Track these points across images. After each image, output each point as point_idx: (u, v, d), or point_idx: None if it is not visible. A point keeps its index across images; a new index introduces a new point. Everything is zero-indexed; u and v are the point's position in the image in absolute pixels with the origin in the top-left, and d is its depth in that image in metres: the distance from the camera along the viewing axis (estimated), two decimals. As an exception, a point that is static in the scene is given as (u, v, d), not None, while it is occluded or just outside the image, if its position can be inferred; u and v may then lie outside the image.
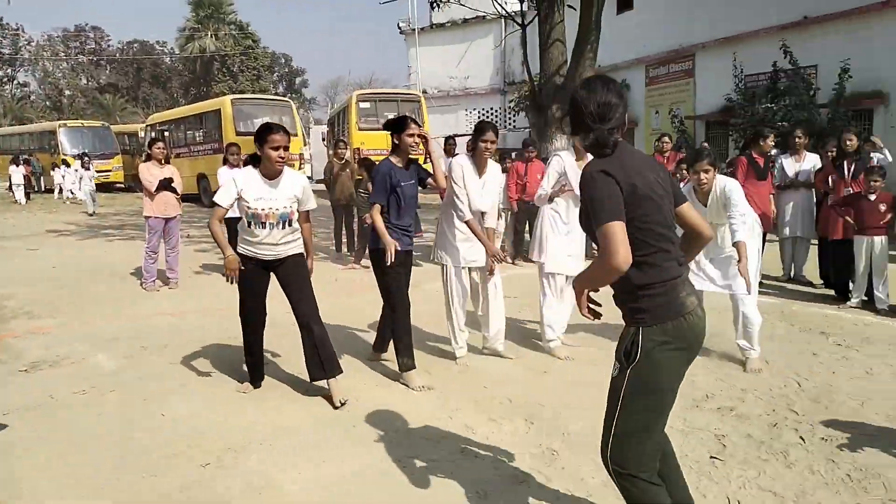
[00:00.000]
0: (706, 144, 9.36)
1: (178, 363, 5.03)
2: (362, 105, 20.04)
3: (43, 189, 26.31)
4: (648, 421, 2.31)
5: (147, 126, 24.52)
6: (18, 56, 54.21)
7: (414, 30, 29.17)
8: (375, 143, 19.56)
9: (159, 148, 7.75)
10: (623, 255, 2.09)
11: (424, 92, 29.28)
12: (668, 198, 2.32)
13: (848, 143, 7.29)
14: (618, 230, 2.11)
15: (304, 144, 25.62)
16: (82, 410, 4.14)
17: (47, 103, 53.16)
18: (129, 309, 6.87)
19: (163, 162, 7.81)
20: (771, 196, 7.85)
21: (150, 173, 7.65)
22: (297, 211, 4.24)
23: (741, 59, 14.87)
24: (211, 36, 52.73)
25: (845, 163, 7.27)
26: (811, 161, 7.91)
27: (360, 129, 19.60)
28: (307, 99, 62.09)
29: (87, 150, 25.12)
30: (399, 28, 29.92)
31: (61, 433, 3.80)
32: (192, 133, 21.79)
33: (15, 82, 55.66)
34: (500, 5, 12.61)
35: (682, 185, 5.18)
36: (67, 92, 53.93)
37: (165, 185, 7.65)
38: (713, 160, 4.73)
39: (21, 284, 8.02)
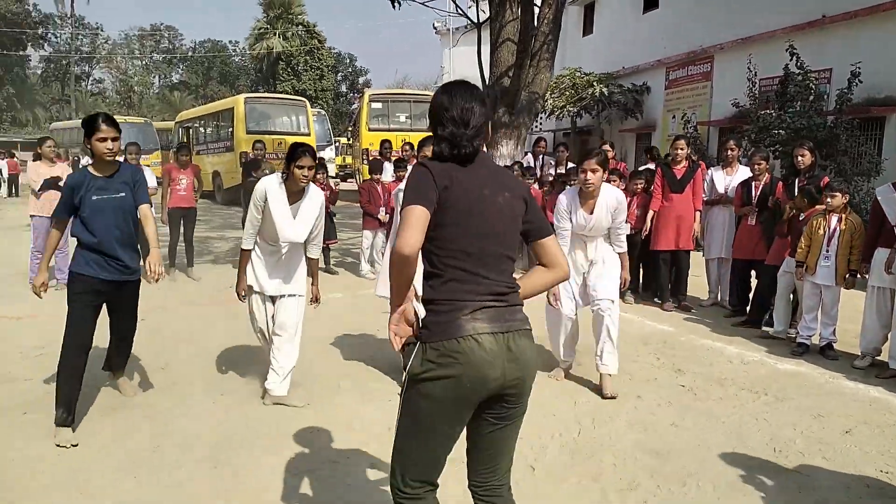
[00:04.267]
0: (607, 148, 8.62)
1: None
2: (374, 105, 19.80)
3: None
4: (407, 448, 2.13)
5: (176, 123, 25.11)
6: (95, 54, 57.12)
7: (449, 30, 28.78)
8: (386, 145, 19.36)
9: (49, 146, 7.66)
10: (408, 239, 1.95)
11: (457, 93, 28.88)
12: (506, 223, 2.14)
13: (800, 158, 6.41)
14: (416, 213, 1.99)
15: (329, 144, 25.66)
16: None
17: (118, 99, 55.73)
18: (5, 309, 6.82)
19: (53, 161, 7.71)
20: (697, 213, 7.12)
21: (38, 172, 7.56)
22: None
23: (756, 62, 13.69)
24: (279, 36, 54.09)
25: (796, 181, 6.42)
26: (743, 175, 7.07)
27: (369, 130, 19.35)
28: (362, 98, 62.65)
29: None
30: (434, 28, 29.64)
31: None
32: (210, 131, 22.14)
33: (91, 79, 58.72)
34: (454, 2, 11.97)
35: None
36: (138, 88, 56.37)
37: (52, 184, 7.53)
38: (603, 161, 4.51)
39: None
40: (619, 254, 4.81)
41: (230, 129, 19.82)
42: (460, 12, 11.57)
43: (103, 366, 4.45)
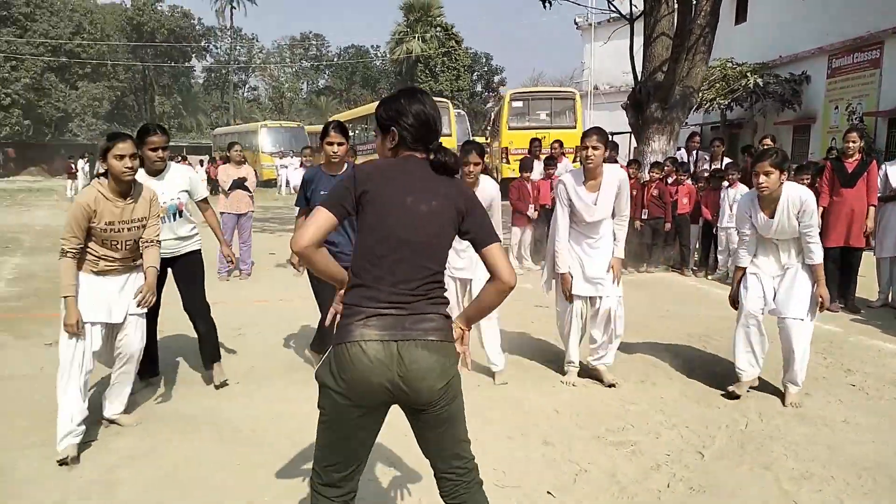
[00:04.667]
0: (768, 142, 8.18)
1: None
2: (514, 104, 20.05)
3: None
4: (319, 448, 2.19)
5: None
6: (251, 63, 61.43)
7: (591, 25, 28.46)
8: (525, 143, 19.52)
9: (237, 150, 8.53)
10: (299, 237, 2.05)
11: (596, 88, 28.50)
12: (429, 231, 2.12)
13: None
14: (318, 214, 2.07)
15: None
16: (46, 384, 4.77)
17: (270, 105, 59.63)
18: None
19: (240, 163, 8.58)
20: (871, 208, 6.77)
21: (227, 174, 8.44)
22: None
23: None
24: (418, 38, 55.85)
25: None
26: (923, 169, 6.66)
27: (510, 129, 19.63)
28: (503, 97, 63.00)
29: (281, 148, 27.87)
30: (575, 23, 29.40)
31: (18, 400, 4.44)
32: (358, 133, 23.31)
33: (247, 86, 63.26)
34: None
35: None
36: (288, 94, 59.99)
37: (239, 184, 8.40)
38: (779, 162, 4.19)
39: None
40: (811, 266, 4.32)
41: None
42: (613, 8, 11.55)
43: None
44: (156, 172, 4.33)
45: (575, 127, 18.72)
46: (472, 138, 28.98)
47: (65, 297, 3.53)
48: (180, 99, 54.84)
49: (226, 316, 5.90)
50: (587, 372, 4.93)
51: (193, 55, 56.37)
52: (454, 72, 55.99)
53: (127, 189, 3.68)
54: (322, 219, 2.06)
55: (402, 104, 2.18)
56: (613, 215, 4.66)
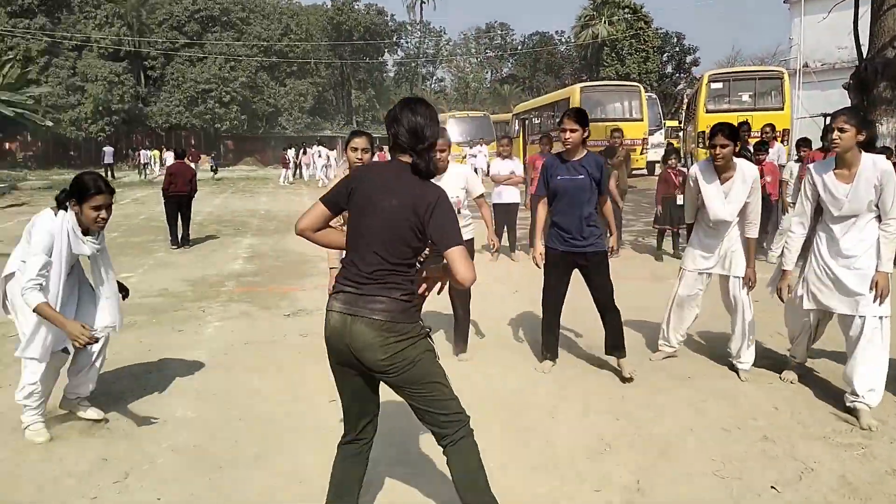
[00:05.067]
0: None
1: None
2: (714, 86, 19.05)
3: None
4: None
5: (514, 115, 26.91)
6: (438, 55, 63.47)
7: (799, -2, 26.17)
8: (723, 127, 18.50)
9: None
10: (299, 222, 2.61)
11: (806, 66, 26.18)
12: (388, 226, 2.43)
13: None
14: (317, 206, 2.60)
15: (658, 128, 25.25)
16: (288, 349, 5.45)
17: (456, 95, 61.23)
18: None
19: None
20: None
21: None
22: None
23: None
24: (604, 22, 54.59)
25: None
26: None
27: (707, 112, 18.68)
28: (696, 78, 59.71)
29: (469, 138, 28.67)
30: (782, -3, 27.18)
31: (263, 362, 5.12)
32: (545, 121, 23.32)
33: (434, 78, 65.48)
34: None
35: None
36: (473, 84, 61.24)
37: (441, 172, 8.87)
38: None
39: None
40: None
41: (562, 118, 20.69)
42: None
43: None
44: (439, 172, 4.75)
45: (782, 109, 17.42)
46: (663, 122, 27.93)
47: (331, 268, 4.39)
48: (374, 92, 57.98)
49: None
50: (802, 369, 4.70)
51: (386, 50, 59.38)
52: (642, 54, 54.04)
53: None
54: (318, 211, 2.59)
55: (397, 112, 2.52)
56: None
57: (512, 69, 64.08)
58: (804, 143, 8.91)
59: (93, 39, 41.54)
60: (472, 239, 4.97)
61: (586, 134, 4.52)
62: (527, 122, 24.84)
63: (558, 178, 4.53)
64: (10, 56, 36.54)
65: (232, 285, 7.80)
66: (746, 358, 4.61)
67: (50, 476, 3.36)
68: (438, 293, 2.70)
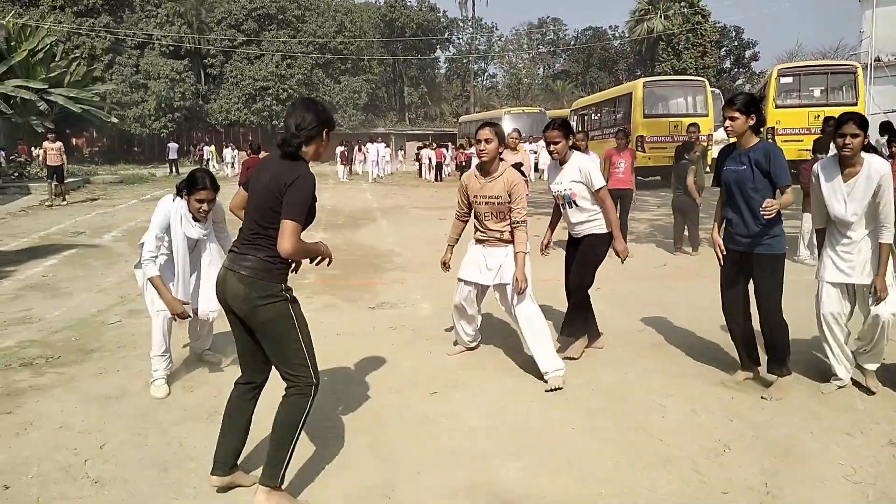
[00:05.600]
0: None
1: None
2: (783, 80, 18.53)
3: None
4: None
5: (571, 111, 26.62)
6: (490, 51, 63.26)
7: (873, -12, 25.20)
8: (794, 122, 17.97)
9: (513, 137, 8.94)
10: (230, 202, 3.34)
11: (877, 59, 25.24)
12: (261, 200, 2.88)
13: None
14: (240, 191, 3.25)
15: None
16: (380, 340, 5.48)
17: (507, 91, 60.96)
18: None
19: (515, 148, 8.98)
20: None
21: (505, 160, 8.89)
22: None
23: None
24: (660, 16, 53.64)
25: None
26: None
27: (776, 108, 18.19)
28: (755, 73, 58.22)
29: (524, 134, 28.46)
30: (854, -11, 26.21)
31: (359, 353, 5.16)
32: (604, 117, 23.00)
33: (486, 74, 65.29)
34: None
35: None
36: (525, 80, 60.88)
37: (515, 168, 8.80)
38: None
39: (414, 245, 10.20)
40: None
41: (624, 114, 20.40)
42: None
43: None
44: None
45: (856, 104, 16.83)
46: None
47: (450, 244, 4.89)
48: (426, 89, 58.16)
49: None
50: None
51: (438, 47, 59.49)
52: (699, 48, 52.91)
53: (486, 169, 4.48)
54: (241, 193, 3.22)
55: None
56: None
57: (564, 65, 63.55)
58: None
59: (154, 37, 42.66)
60: (610, 232, 4.79)
61: (752, 121, 4.12)
62: (586, 117, 24.55)
63: (724, 168, 4.27)
64: (77, 54, 37.86)
65: (312, 278, 7.89)
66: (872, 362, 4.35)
67: (173, 459, 3.44)
68: (317, 264, 3.11)
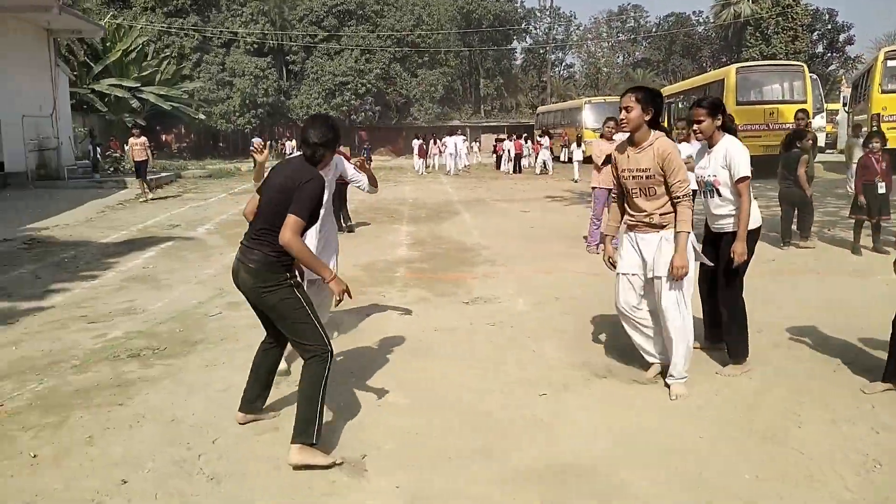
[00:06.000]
0: None
1: (572, 314, 5.85)
2: (891, 63, 17.33)
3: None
4: None
5: (658, 99, 25.75)
6: (568, 41, 62.15)
7: None
8: (901, 107, 16.79)
9: (609, 127, 8.58)
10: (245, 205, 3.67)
11: None
12: (272, 200, 3.28)
13: None
14: (256, 195, 3.55)
15: (819, 111, 23.36)
16: (480, 337, 5.32)
17: (585, 81, 59.75)
18: (565, 264, 7.99)
19: (610, 138, 8.62)
20: None
21: (600, 149, 8.55)
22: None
23: None
24: (748, 0, 51.42)
25: None
26: None
27: (882, 92, 17.06)
28: (850, 58, 55.10)
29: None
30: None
31: (460, 349, 5.02)
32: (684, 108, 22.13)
33: (563, 64, 64.21)
34: None
35: None
36: (604, 69, 59.53)
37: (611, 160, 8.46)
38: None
39: (500, 238, 10.00)
40: None
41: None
42: None
43: None
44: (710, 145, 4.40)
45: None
46: (824, 105, 25.83)
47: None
48: (502, 81, 57.69)
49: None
50: None
51: (515, 38, 58.87)
52: (790, 33, 50.38)
53: (634, 138, 4.05)
54: (256, 195, 3.54)
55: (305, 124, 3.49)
56: None
57: (645, 53, 61.82)
58: None
59: (239, 36, 43.89)
60: (759, 228, 4.43)
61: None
62: (673, 106, 23.71)
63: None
64: (167, 54, 39.38)
65: (402, 271, 7.82)
66: None
67: (286, 454, 3.37)
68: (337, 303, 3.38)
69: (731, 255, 4.25)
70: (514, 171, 26.18)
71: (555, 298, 6.44)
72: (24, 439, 3.59)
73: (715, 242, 4.51)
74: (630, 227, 4.19)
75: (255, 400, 3.66)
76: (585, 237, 9.30)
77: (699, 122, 4.32)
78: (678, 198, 3.92)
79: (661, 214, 3.98)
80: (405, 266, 8.18)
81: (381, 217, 12.98)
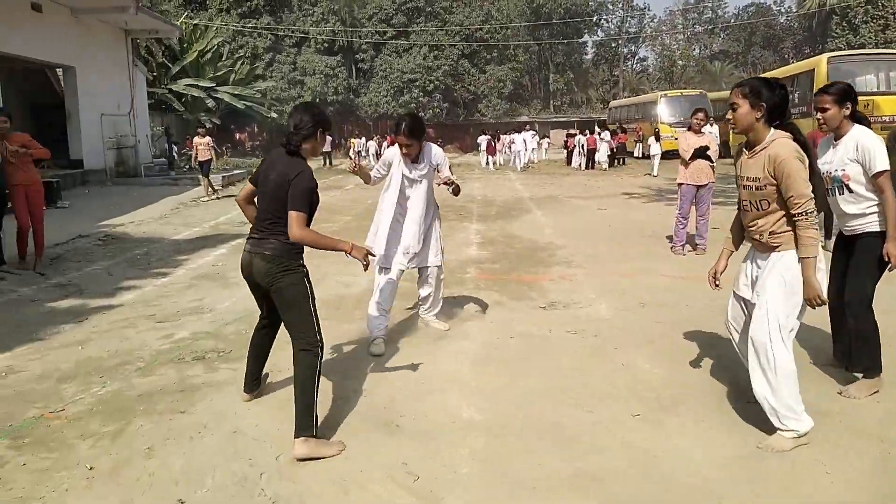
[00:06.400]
0: None
1: (662, 322, 5.37)
2: None
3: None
4: None
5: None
6: (641, 34, 60.45)
7: None
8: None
9: (698, 119, 7.99)
10: (238, 195, 3.83)
11: None
12: (271, 193, 3.39)
13: None
14: (246, 184, 3.72)
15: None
16: (561, 346, 4.91)
17: (659, 74, 57.96)
18: (649, 266, 7.47)
19: (700, 132, 8.04)
20: None
21: (687, 142, 7.98)
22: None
23: None
24: (835, -12, 48.87)
25: None
26: None
27: None
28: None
29: (682, 118, 26.77)
30: None
31: (539, 359, 4.63)
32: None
33: (636, 57, 62.48)
34: None
35: None
36: (680, 62, 57.63)
37: (700, 153, 7.88)
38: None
39: (577, 237, 9.52)
40: None
41: (802, 94, 18.46)
42: None
43: None
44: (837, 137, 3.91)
45: None
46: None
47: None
48: (572, 75, 56.64)
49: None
50: None
51: (585, 31, 57.65)
52: (880, 21, 47.53)
53: (749, 141, 3.38)
54: (247, 186, 3.68)
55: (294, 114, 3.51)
56: None
57: (723, 44, 59.53)
58: None
59: (311, 35, 44.46)
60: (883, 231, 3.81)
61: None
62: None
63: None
64: (241, 54, 40.22)
65: (473, 272, 7.47)
66: None
67: (351, 476, 3.08)
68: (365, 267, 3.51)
69: (886, 258, 3.72)
70: (587, 167, 25.48)
71: (640, 304, 5.96)
72: (83, 448, 3.41)
73: (848, 247, 3.98)
74: (751, 243, 3.57)
75: (254, 380, 3.94)
76: (670, 237, 8.74)
77: (824, 110, 3.80)
78: (796, 216, 3.16)
79: (770, 233, 3.29)
80: (475, 266, 7.82)
81: (449, 214, 12.61)
